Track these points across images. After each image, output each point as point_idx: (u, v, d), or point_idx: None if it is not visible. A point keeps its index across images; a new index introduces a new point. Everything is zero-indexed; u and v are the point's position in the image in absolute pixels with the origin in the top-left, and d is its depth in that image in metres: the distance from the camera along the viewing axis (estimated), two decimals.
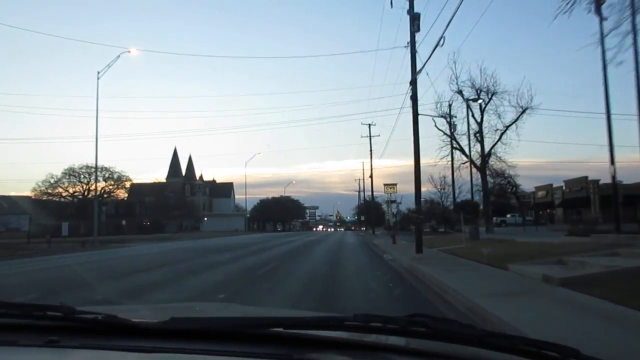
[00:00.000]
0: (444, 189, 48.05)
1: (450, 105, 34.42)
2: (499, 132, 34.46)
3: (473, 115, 34.50)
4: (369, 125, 51.55)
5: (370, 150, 51.99)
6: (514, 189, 63.38)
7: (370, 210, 65.21)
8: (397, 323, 1.30)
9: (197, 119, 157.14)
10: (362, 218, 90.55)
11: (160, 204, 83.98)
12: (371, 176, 53.01)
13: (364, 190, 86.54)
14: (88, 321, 1.51)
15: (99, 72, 31.94)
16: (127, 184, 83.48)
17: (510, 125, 34.11)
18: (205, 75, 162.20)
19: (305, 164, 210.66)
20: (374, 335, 1.36)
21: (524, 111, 33.69)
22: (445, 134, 36.30)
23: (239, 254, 21.33)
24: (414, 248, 17.88)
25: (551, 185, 64.16)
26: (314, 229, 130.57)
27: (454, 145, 35.72)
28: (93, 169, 74.91)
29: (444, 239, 27.66)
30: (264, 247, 26.77)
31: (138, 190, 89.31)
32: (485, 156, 34.51)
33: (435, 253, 17.90)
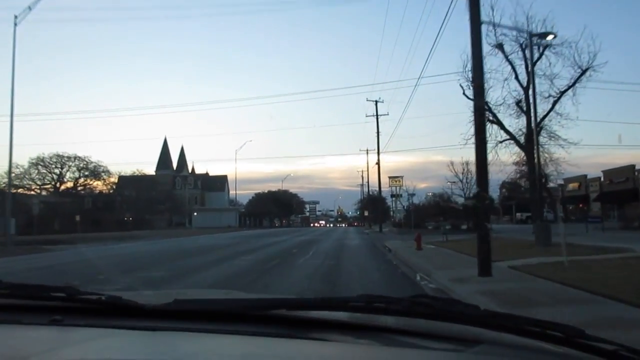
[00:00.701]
0: (466, 178, 39.47)
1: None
2: (550, 101, 26.05)
3: (517, 77, 26.10)
4: (376, 102, 43.21)
5: (377, 132, 43.60)
6: (544, 179, 55.27)
7: (376, 204, 56.99)
8: (400, 304, 1.29)
9: (190, 111, 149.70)
10: (366, 213, 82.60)
11: (143, 198, 76.05)
12: (378, 163, 44.63)
13: (368, 183, 78.52)
14: (92, 302, 1.52)
15: (16, 17, 23.67)
16: (112, 177, 75.47)
17: (566, 91, 25.74)
18: (201, 66, 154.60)
19: (307, 159, 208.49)
20: (378, 316, 1.33)
21: (584, 72, 25.34)
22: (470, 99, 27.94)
23: (181, 267, 13.34)
24: (460, 261, 9.96)
25: (585, 176, 55.74)
26: (312, 225, 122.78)
27: (490, 118, 27.34)
28: (66, 159, 68.07)
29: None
30: (228, 254, 18.58)
31: (126, 183, 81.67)
32: (533, 131, 26.10)
33: (518, 277, 9.66)
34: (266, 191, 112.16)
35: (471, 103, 26.19)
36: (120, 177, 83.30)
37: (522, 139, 27.26)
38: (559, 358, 1.13)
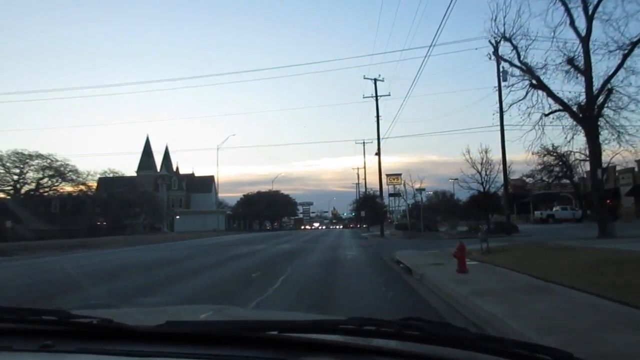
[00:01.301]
0: (487, 168, 32.15)
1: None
2: (616, 56, 18.95)
3: (572, 23, 18.97)
4: (375, 80, 36.00)
5: (377, 115, 36.36)
6: (569, 171, 47.75)
7: (375, 203, 49.92)
8: (391, 326, 1.30)
9: (176, 110, 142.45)
10: (363, 214, 75.85)
11: (118, 201, 68.62)
12: (378, 151, 37.42)
13: (365, 179, 71.57)
14: (83, 325, 1.50)
15: None
16: (81, 177, 67.68)
17: (639, 42, 18.68)
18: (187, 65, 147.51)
19: (301, 160, 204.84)
20: (369, 339, 1.34)
21: None
22: (513, 64, 20.99)
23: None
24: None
25: (614, 167, 48.68)
26: (303, 227, 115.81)
27: (532, 82, 20.33)
28: (27, 157, 60.45)
29: (548, 253, 12.65)
30: (137, 285, 11.32)
31: (108, 185, 74.28)
32: (596, 96, 18.97)
33: None
34: (255, 192, 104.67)
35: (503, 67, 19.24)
36: (101, 179, 75.93)
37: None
38: None
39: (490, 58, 32.08)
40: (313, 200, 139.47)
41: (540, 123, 20.34)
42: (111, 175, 72.56)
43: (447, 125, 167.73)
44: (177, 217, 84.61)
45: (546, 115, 20.72)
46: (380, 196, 41.55)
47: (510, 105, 21.29)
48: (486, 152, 32.13)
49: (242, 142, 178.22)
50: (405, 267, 13.25)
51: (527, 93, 20.24)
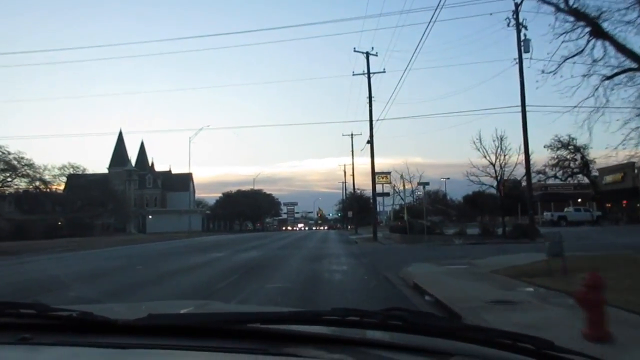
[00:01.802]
0: (500, 160, 26.34)
1: None
2: None
3: None
4: (367, 53, 30.08)
5: (370, 94, 30.45)
6: (587, 168, 42.14)
7: (366, 202, 44.26)
8: (374, 317, 1.29)
9: (154, 106, 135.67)
10: (350, 214, 70.53)
11: (78, 198, 62.00)
12: (371, 140, 31.43)
13: (353, 175, 65.92)
14: (62, 318, 1.47)
15: None
16: (38, 173, 60.72)
17: None
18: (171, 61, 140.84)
19: (286, 161, 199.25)
20: (352, 330, 1.33)
21: None
22: (559, 9, 15.33)
23: None
24: None
25: (631, 165, 43.50)
26: (286, 229, 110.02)
27: (591, 30, 14.64)
28: None
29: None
30: None
31: (78, 182, 67.51)
32: None
33: None
34: (235, 191, 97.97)
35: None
36: (70, 177, 69.05)
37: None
38: None
39: (509, 24, 26.62)
40: (299, 201, 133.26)
41: (604, 86, 14.46)
42: (71, 170, 65.46)
43: (449, 108, 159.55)
44: (150, 216, 78.04)
45: (609, 78, 14.95)
46: (372, 192, 35.35)
47: (561, 64, 15.31)
48: (501, 139, 26.43)
49: (225, 140, 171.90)
50: (436, 302, 7.35)
51: (587, 43, 14.44)
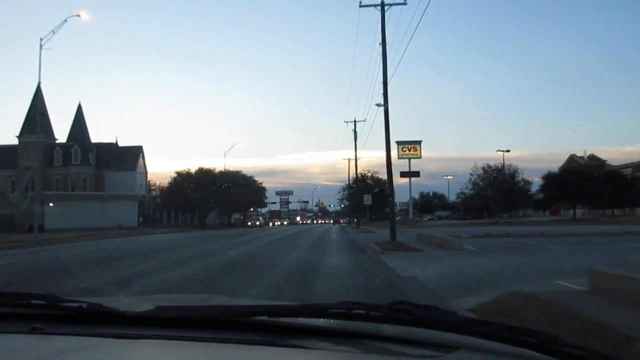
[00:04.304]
0: None
1: None
2: None
3: None
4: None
5: (383, 35, 20.31)
6: None
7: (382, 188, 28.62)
8: (380, 310, 1.31)
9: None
10: (367, 200, 50.81)
11: None
12: (385, 97, 19.77)
13: (355, 161, 45.20)
14: (73, 309, 1.51)
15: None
16: None
17: None
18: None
19: (287, 154, 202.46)
20: (358, 323, 1.34)
21: None
22: None
23: None
24: None
25: None
26: (272, 224, 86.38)
27: None
28: None
29: None
30: None
31: None
32: None
33: None
34: (195, 170, 70.75)
35: None
36: None
37: None
38: None
39: None
40: (300, 195, 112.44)
41: None
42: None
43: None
44: (51, 204, 52.61)
45: None
46: (387, 173, 21.75)
47: None
48: None
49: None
50: None
51: None
